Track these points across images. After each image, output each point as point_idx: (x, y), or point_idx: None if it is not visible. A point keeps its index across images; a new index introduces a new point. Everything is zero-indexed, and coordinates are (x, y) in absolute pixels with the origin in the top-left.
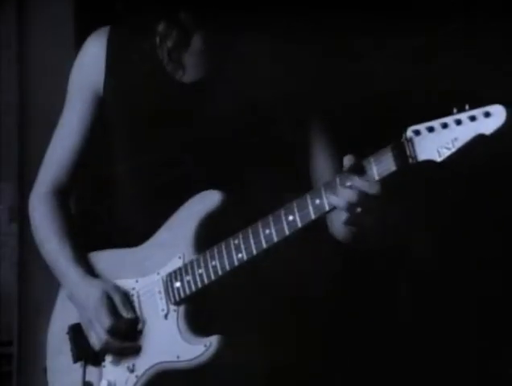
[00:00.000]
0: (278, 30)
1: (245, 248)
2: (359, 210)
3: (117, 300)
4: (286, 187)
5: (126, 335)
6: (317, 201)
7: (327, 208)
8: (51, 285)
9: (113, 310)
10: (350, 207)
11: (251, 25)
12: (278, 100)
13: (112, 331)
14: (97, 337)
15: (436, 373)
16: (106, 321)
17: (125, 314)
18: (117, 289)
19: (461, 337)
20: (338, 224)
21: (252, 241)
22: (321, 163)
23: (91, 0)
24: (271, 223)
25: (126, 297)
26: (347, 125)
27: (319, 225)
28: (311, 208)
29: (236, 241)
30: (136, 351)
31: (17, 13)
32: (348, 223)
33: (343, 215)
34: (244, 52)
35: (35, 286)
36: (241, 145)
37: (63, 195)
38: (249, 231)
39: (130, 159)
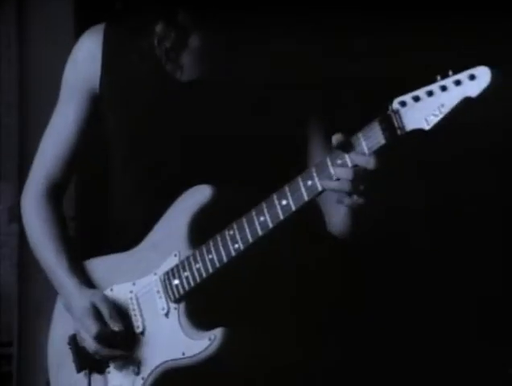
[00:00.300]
0: (277, 30)
1: (241, 238)
2: (362, 187)
3: (105, 312)
4: (283, 182)
5: (117, 344)
6: (309, 182)
7: (319, 189)
8: (51, 285)
9: (99, 317)
10: (353, 187)
11: (249, 25)
12: (276, 99)
13: (98, 339)
14: (87, 346)
15: (436, 373)
16: (92, 328)
17: (113, 326)
18: (106, 300)
19: (461, 337)
20: (336, 219)
21: (247, 230)
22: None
23: (91, 0)
24: (265, 210)
25: (115, 308)
26: (345, 120)
27: (316, 224)
28: (303, 190)
29: (231, 232)
30: (138, 354)
31: (17, 13)
32: (355, 205)
33: (341, 208)
34: (242, 51)
35: (35, 286)
36: (238, 143)
37: (57, 192)
38: (244, 220)
39: (127, 157)
